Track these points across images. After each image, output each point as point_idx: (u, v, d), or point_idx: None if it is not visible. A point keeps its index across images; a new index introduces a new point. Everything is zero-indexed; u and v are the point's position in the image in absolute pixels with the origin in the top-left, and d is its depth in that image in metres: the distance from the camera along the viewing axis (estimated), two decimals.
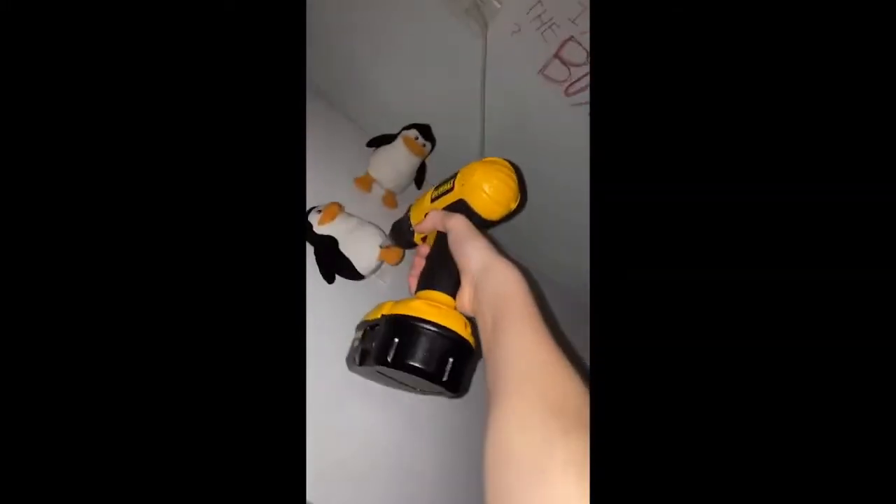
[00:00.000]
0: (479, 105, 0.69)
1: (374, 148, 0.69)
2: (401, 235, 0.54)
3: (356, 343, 0.45)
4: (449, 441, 0.66)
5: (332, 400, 0.54)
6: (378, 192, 0.70)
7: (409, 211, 0.53)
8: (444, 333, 0.37)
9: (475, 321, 0.39)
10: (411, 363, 0.37)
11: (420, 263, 0.46)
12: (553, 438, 0.25)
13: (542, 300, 0.70)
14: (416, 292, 0.44)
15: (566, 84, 0.61)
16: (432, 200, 0.48)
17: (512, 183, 0.43)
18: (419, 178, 0.72)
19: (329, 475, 0.52)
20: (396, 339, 0.37)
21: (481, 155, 0.76)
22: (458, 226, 0.41)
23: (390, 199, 0.70)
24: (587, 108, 0.62)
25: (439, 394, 0.40)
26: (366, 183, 0.68)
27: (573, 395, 0.28)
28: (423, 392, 0.45)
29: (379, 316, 0.42)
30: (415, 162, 0.68)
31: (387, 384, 0.47)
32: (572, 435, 0.25)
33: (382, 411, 0.59)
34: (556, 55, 0.59)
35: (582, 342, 0.98)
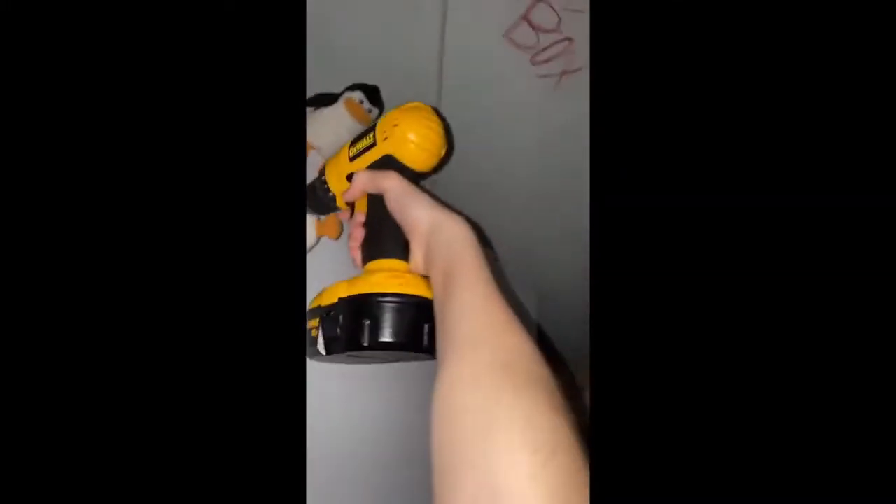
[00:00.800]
0: (437, 68, 0.61)
1: (312, 108, 0.60)
2: (317, 201, 0.48)
3: (315, 332, 0.40)
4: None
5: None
6: (316, 160, 0.61)
7: (321, 173, 0.46)
8: (412, 301, 0.36)
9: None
10: (387, 340, 0.35)
11: (359, 233, 0.42)
12: (502, 394, 0.25)
13: (492, 252, 0.66)
14: (364, 264, 0.41)
15: (534, 52, 0.55)
16: (351, 159, 0.43)
17: (438, 128, 0.40)
18: None
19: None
20: (367, 321, 0.35)
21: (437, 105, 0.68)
22: (394, 185, 0.38)
23: None
24: (554, 81, 0.57)
25: (415, 359, 0.39)
26: None
27: (523, 354, 0.28)
28: (398, 360, 0.43)
29: (335, 300, 0.38)
30: (358, 129, 0.59)
31: (354, 362, 0.44)
32: (521, 391, 0.25)
33: (360, 388, 0.55)
34: (525, 17, 0.52)
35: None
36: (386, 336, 0.35)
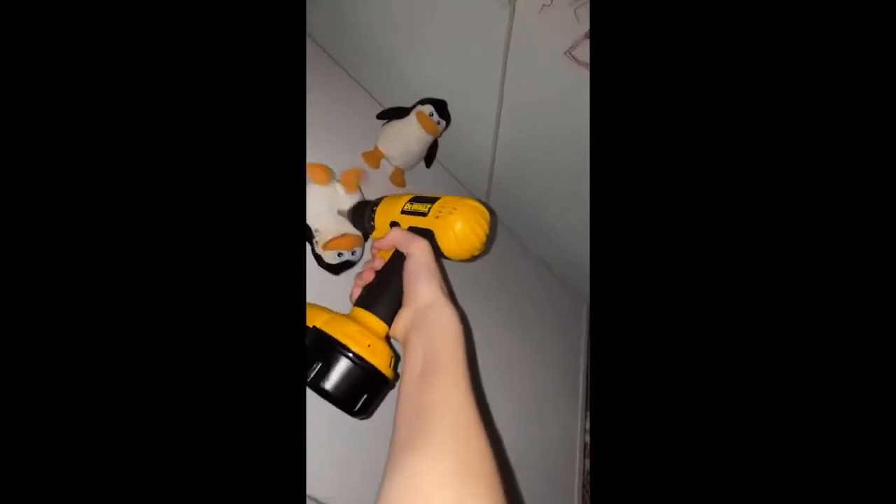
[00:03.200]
0: (499, 82, 0.65)
1: (384, 121, 0.65)
2: (359, 221, 0.51)
3: None
4: None
5: None
6: (386, 168, 0.66)
7: (377, 203, 0.49)
8: (366, 368, 0.38)
9: (401, 350, 0.40)
10: (325, 389, 0.37)
11: (368, 276, 0.44)
12: (466, 500, 0.27)
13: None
14: (354, 304, 0.43)
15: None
16: (402, 212, 0.45)
17: (482, 234, 0.42)
18: (429, 156, 0.68)
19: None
20: (319, 363, 0.37)
21: (496, 134, 0.72)
22: (419, 254, 0.41)
23: (399, 176, 0.66)
24: None
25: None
26: (374, 158, 0.64)
27: (485, 461, 0.30)
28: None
29: (311, 325, 0.40)
30: (427, 139, 0.64)
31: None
32: (483, 498, 0.27)
33: None
34: (588, 35, 0.55)
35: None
36: (326, 384, 0.37)
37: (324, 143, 0.61)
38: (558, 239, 0.85)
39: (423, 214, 0.43)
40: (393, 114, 0.64)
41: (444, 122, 0.64)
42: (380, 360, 0.38)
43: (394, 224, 0.46)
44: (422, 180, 0.70)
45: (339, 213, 0.53)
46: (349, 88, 0.70)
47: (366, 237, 0.53)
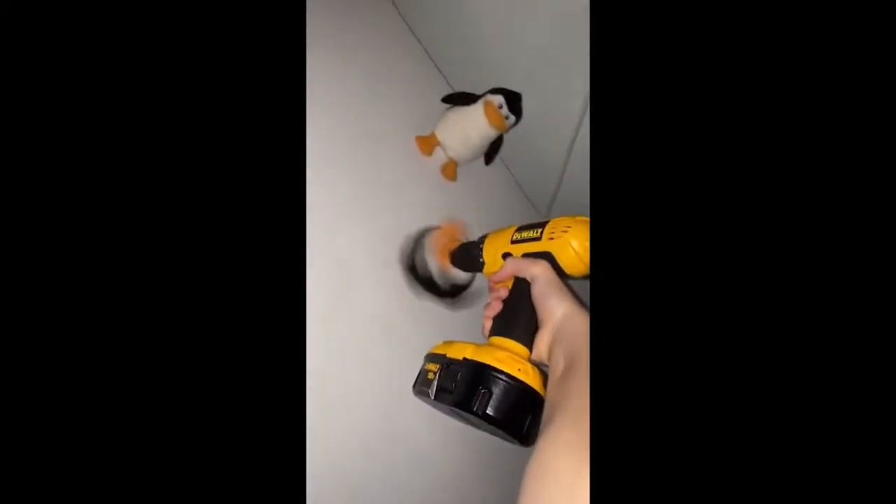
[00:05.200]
0: (586, 80, 0.56)
1: (449, 106, 0.58)
2: (468, 260, 0.53)
3: (432, 377, 0.44)
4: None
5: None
6: (439, 157, 0.59)
7: (482, 242, 0.51)
8: (526, 390, 0.39)
9: (546, 369, 0.40)
10: (494, 416, 0.38)
11: (496, 306, 0.46)
12: (585, 463, 0.27)
13: None
14: (490, 336, 0.45)
15: None
16: (513, 242, 0.47)
17: None
18: (490, 152, 0.61)
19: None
20: (482, 390, 0.39)
21: (572, 143, 0.64)
22: (544, 275, 0.42)
23: (451, 169, 0.59)
24: None
25: (504, 439, 0.41)
26: (428, 144, 0.58)
27: None
28: (489, 433, 0.45)
29: (461, 358, 0.42)
30: (490, 135, 0.56)
31: (449, 414, 0.48)
32: None
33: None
34: None
35: None
36: (493, 411, 0.38)
37: (386, 115, 0.56)
38: None
39: (537, 239, 0.44)
40: (459, 99, 0.57)
41: (513, 118, 0.56)
42: (533, 380, 0.39)
43: (506, 255, 0.47)
44: (476, 178, 0.63)
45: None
46: (422, 63, 0.64)
47: (474, 271, 0.55)
